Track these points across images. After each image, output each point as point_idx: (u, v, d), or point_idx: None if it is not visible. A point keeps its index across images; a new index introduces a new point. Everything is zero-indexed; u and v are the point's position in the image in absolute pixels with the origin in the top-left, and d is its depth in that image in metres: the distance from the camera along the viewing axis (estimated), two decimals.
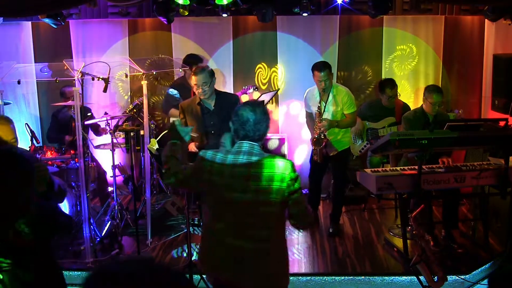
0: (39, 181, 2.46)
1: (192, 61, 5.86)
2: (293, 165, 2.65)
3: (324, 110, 5.03)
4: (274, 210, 2.64)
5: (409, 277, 4.24)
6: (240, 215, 2.66)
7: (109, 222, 5.02)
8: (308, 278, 4.38)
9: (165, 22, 5.59)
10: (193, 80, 4.39)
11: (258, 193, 2.60)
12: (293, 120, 6.48)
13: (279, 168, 2.61)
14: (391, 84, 5.61)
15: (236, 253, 2.65)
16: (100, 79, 4.79)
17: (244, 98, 5.74)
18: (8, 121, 3.49)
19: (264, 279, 2.68)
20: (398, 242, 4.84)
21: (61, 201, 2.91)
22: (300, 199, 2.68)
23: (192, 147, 4.47)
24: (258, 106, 2.72)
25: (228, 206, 2.67)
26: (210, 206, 2.79)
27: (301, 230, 4.96)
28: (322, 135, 4.99)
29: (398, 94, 5.67)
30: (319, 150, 5.07)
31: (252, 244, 2.65)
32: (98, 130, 5.94)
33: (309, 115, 5.33)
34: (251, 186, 2.60)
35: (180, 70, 5.70)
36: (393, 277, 4.32)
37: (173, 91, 5.89)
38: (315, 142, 5.05)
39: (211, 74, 4.41)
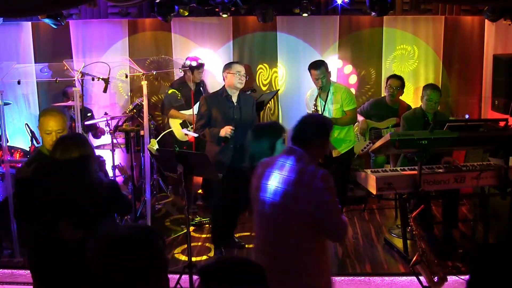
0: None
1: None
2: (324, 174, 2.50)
3: (323, 109, 5.04)
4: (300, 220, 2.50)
5: (409, 277, 4.23)
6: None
7: None
8: None
9: (162, 20, 5.57)
10: (238, 68, 4.62)
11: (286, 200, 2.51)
12: (294, 121, 6.45)
13: (307, 175, 2.49)
14: (396, 77, 5.65)
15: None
16: (100, 79, 4.79)
17: None
18: (61, 113, 3.45)
19: None
20: (398, 242, 4.84)
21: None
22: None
23: (227, 130, 4.46)
24: (319, 116, 2.75)
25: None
26: None
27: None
28: None
29: (401, 91, 5.66)
30: None
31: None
32: (96, 133, 5.92)
33: None
34: (279, 191, 2.54)
35: (180, 70, 5.70)
36: (393, 277, 4.32)
37: (173, 92, 5.88)
38: None
39: None
